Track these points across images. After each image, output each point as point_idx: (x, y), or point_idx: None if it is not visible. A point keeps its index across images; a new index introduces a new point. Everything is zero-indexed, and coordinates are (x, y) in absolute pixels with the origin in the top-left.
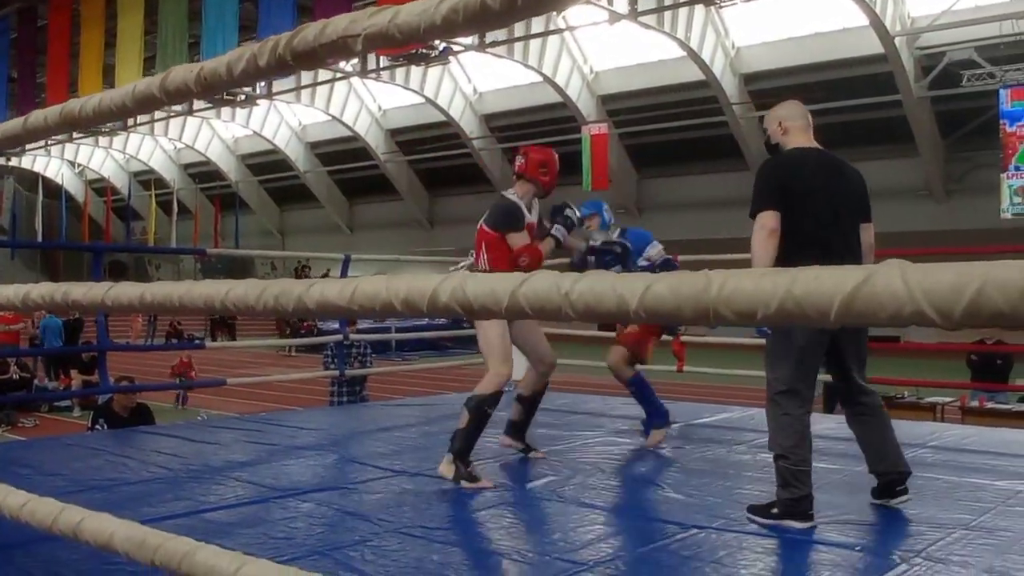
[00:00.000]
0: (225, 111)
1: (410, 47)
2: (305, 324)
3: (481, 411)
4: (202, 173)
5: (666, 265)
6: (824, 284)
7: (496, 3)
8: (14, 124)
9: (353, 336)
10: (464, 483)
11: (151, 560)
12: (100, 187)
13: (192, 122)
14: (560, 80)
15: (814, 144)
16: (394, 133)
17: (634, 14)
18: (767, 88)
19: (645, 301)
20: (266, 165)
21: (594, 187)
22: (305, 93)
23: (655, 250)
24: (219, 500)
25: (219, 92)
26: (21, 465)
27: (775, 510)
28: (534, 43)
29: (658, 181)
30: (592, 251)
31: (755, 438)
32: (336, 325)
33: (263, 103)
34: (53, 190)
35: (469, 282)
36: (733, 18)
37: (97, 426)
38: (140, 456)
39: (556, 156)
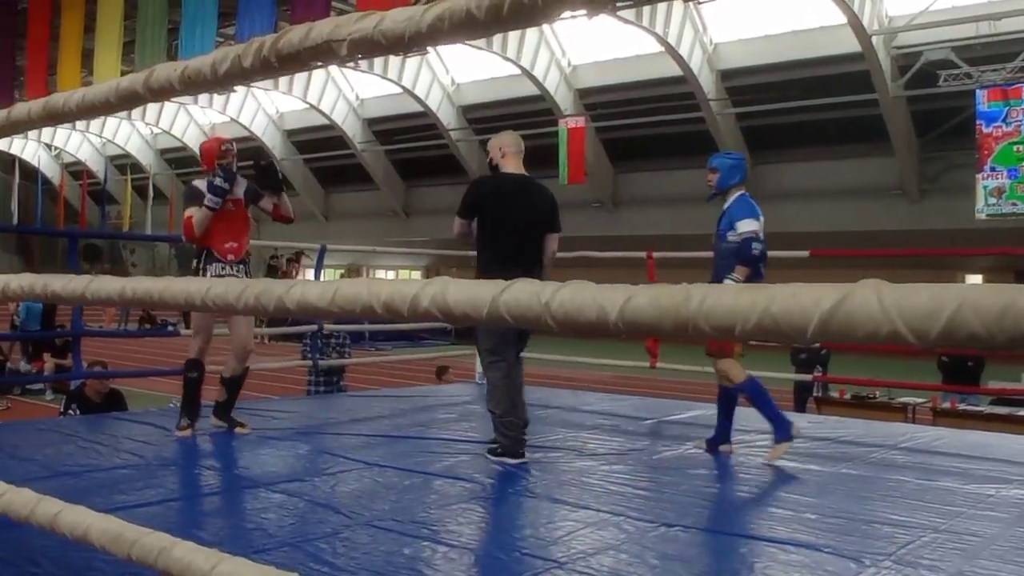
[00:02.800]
0: (203, 97)
1: None
2: None
3: (184, 377)
4: (179, 159)
5: (743, 246)
6: (802, 302)
7: (481, 12)
8: None
9: (329, 327)
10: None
11: (127, 554)
12: (76, 170)
13: (169, 107)
14: (538, 73)
15: (521, 170)
16: (371, 123)
17: (613, 9)
18: (744, 85)
19: (625, 313)
20: (242, 152)
21: (570, 180)
22: (283, 81)
23: (747, 227)
24: (190, 489)
25: (202, 91)
26: None
27: (498, 449)
28: (513, 36)
29: (634, 175)
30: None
31: None
32: None
33: (240, 90)
34: (30, 173)
35: (451, 288)
36: (711, 15)
37: (70, 411)
38: (112, 443)
39: (214, 145)
